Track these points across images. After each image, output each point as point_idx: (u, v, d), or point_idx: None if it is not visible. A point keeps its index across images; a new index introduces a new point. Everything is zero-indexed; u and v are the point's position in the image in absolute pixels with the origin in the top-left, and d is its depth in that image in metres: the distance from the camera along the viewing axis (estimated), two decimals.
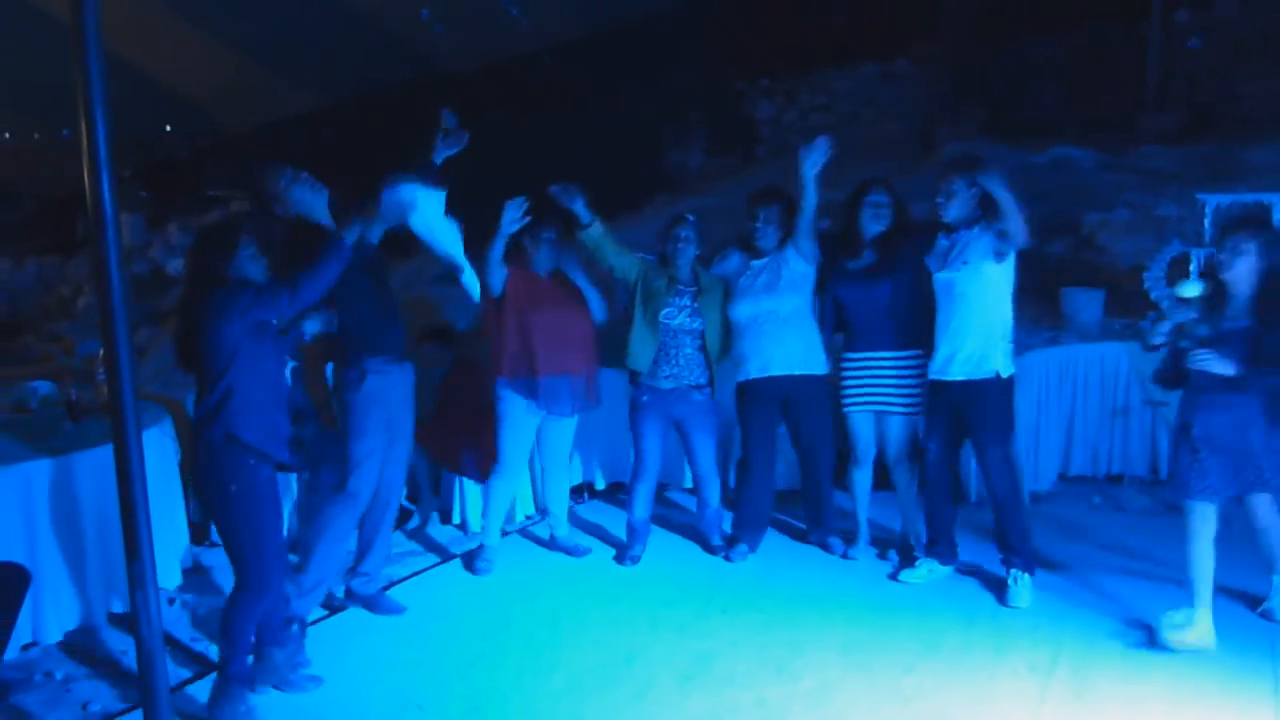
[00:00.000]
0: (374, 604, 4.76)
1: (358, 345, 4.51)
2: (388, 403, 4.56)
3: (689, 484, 6.04)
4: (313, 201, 4.26)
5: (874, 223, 5.09)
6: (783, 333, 5.15)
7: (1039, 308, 7.03)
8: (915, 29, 12.14)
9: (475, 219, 4.84)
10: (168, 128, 11.09)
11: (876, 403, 5.18)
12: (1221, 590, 4.34)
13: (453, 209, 4.61)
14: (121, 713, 3.87)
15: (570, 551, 5.53)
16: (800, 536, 5.67)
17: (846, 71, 12.43)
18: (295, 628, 4.14)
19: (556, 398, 5.18)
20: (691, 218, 5.37)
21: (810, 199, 5.00)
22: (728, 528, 5.56)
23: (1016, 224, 4.56)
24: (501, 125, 12.05)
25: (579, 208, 5.07)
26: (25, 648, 4.26)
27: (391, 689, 4.04)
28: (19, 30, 9.25)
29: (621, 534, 5.62)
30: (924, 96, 12.31)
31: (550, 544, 5.64)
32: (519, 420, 5.21)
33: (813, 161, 4.93)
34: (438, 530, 5.97)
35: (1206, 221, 6.66)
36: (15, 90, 10.62)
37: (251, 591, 3.74)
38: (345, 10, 9.78)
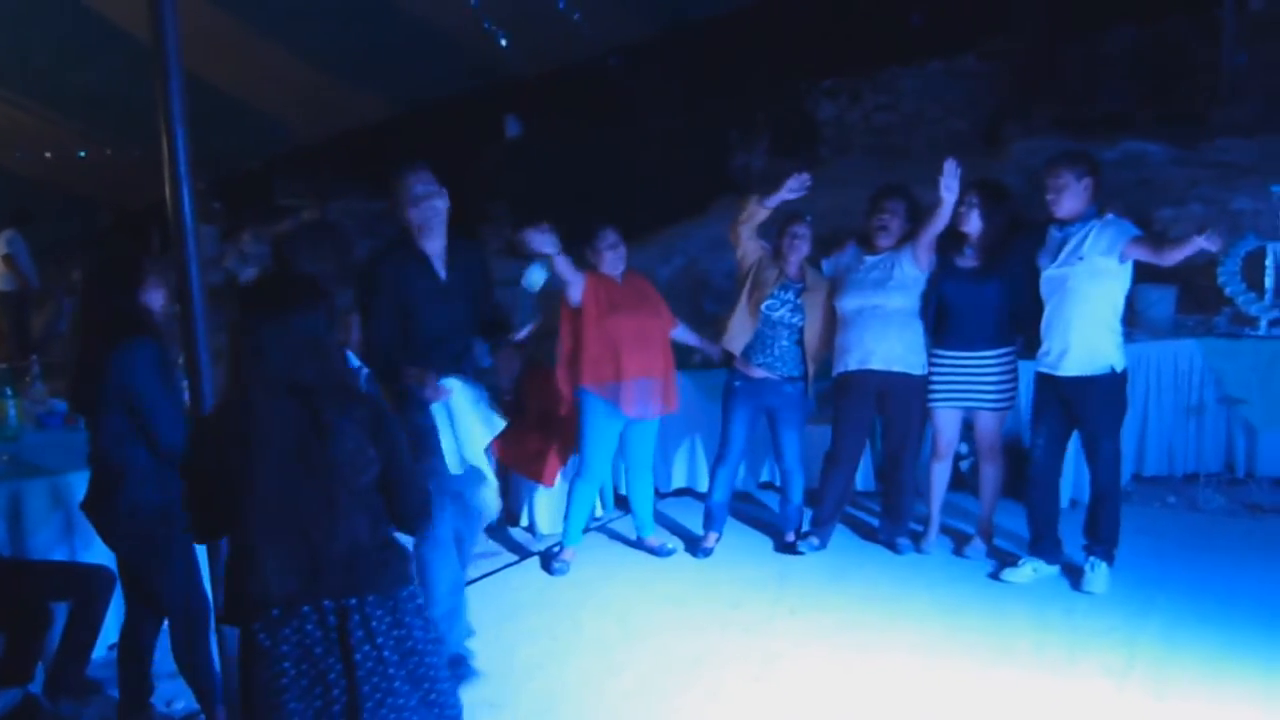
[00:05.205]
0: None
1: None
2: None
3: (765, 478, 6.04)
4: (429, 214, 3.98)
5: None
6: (886, 329, 5.14)
7: None
8: (982, 25, 11.97)
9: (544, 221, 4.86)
10: (240, 139, 11.33)
11: (967, 399, 5.18)
12: None
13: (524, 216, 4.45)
14: (202, 710, 3.97)
15: (655, 552, 5.55)
16: (868, 534, 5.65)
17: (912, 69, 12.30)
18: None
19: (640, 401, 5.18)
20: (808, 217, 5.35)
21: (943, 219, 4.95)
22: (807, 525, 5.56)
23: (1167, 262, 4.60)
24: (565, 130, 12.13)
25: None
26: (111, 647, 4.38)
27: (464, 688, 4.09)
28: (92, 47, 9.51)
29: (687, 533, 5.63)
30: (991, 93, 12.15)
31: (636, 544, 5.67)
32: (602, 425, 5.22)
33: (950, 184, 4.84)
34: (508, 533, 6.03)
35: None
36: (91, 106, 10.90)
37: (202, 621, 3.75)
38: (411, 21, 9.92)
